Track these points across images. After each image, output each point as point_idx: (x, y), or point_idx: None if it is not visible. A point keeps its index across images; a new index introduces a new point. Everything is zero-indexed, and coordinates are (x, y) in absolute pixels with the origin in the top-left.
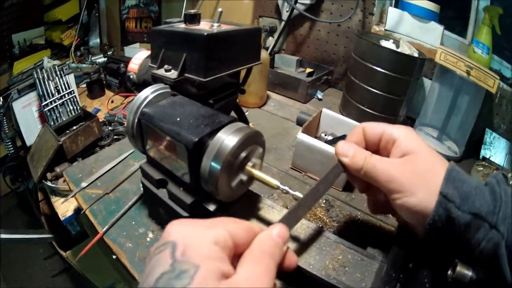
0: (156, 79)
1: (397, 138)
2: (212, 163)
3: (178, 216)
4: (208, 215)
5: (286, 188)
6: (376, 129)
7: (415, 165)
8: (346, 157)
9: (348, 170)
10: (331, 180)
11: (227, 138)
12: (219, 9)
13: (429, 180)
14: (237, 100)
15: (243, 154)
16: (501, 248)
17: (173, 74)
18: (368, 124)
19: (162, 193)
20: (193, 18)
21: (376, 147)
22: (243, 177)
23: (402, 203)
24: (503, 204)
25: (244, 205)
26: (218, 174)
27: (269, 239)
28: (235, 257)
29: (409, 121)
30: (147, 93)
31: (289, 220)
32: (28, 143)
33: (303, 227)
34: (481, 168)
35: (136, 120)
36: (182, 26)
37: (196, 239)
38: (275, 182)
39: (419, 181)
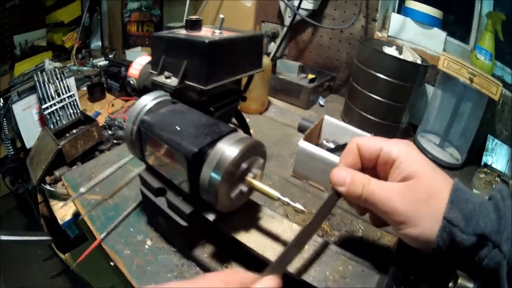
0: (156, 86)
1: (396, 158)
2: (212, 174)
3: (177, 225)
4: (207, 224)
5: (287, 199)
6: (372, 146)
7: (418, 193)
8: (343, 186)
9: (345, 198)
10: (326, 212)
11: (228, 149)
12: (221, 16)
13: (432, 207)
14: (238, 106)
15: (244, 165)
16: (502, 268)
17: (173, 81)
18: (363, 141)
19: (161, 202)
20: (195, 25)
21: (373, 164)
22: (243, 188)
23: (405, 233)
24: (507, 222)
25: (244, 215)
26: (218, 185)
27: None
28: None
29: (411, 128)
30: (147, 100)
31: (281, 265)
32: (28, 146)
33: None
34: (483, 175)
35: (135, 128)
36: (183, 32)
37: None
38: (275, 193)
39: (422, 210)
